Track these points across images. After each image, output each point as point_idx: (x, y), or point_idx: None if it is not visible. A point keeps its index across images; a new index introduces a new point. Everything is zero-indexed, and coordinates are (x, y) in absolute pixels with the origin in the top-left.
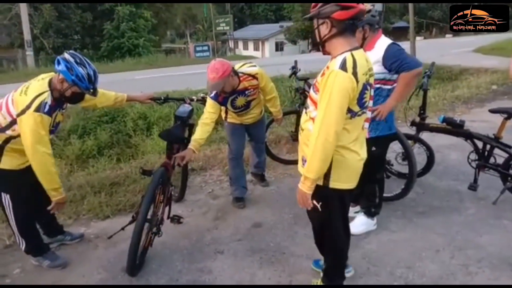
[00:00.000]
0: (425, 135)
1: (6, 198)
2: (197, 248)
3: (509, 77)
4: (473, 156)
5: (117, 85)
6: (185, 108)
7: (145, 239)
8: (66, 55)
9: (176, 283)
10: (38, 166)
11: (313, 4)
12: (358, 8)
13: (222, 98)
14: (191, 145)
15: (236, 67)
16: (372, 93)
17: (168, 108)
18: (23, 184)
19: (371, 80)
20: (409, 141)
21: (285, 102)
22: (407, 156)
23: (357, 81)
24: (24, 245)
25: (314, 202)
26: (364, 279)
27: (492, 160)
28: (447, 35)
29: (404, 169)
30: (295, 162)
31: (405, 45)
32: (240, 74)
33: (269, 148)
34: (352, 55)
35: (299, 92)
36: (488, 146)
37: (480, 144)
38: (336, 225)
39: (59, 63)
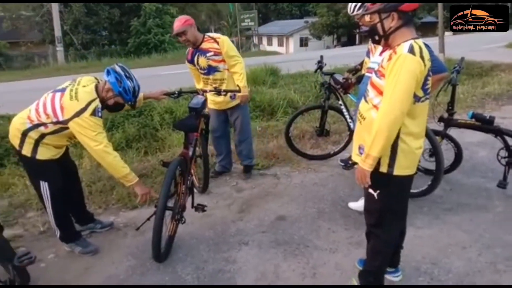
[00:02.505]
0: (453, 132)
1: (45, 186)
2: (222, 239)
3: None
4: (503, 153)
5: (143, 81)
6: (198, 99)
7: (170, 227)
8: (116, 67)
9: (202, 272)
10: (101, 161)
11: (370, 3)
12: (419, 3)
13: (190, 56)
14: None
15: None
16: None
17: None
18: (58, 172)
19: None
20: (437, 137)
21: (310, 97)
22: (435, 152)
23: (424, 65)
24: (59, 232)
25: (371, 190)
26: None
27: None
28: None
29: (431, 166)
30: (318, 157)
31: (434, 41)
32: (205, 37)
33: (293, 143)
34: (416, 42)
35: (324, 87)
36: None
37: (510, 141)
38: (392, 217)
39: (109, 73)
